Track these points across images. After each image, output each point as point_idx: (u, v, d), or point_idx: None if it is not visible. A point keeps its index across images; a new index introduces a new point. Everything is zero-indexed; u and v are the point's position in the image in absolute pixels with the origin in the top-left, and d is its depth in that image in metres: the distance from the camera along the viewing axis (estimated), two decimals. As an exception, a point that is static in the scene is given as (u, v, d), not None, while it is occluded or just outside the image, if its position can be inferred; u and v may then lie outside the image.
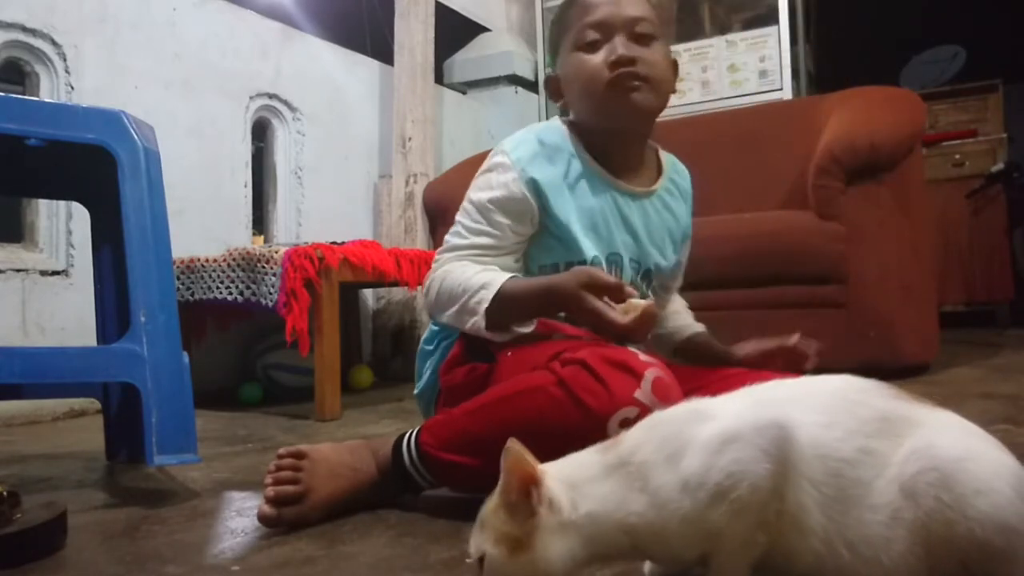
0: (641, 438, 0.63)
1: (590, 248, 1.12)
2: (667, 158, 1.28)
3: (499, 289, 1.03)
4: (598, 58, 1.10)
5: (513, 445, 0.60)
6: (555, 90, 1.22)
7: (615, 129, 1.15)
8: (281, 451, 0.99)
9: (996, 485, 0.55)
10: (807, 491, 0.59)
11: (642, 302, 0.97)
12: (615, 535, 0.60)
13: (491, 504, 0.62)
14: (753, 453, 0.58)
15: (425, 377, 1.24)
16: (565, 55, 1.17)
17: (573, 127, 1.18)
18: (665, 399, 0.86)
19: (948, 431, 0.60)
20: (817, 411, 0.61)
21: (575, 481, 0.62)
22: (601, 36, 1.11)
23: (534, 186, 1.11)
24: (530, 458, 0.61)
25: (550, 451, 0.66)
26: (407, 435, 1.02)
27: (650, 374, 0.89)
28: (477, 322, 1.04)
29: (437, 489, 1.02)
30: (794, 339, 1.10)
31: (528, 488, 0.60)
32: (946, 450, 0.58)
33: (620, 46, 1.09)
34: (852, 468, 0.59)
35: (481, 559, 0.60)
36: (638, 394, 0.87)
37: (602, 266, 1.13)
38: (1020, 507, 0.55)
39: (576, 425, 0.86)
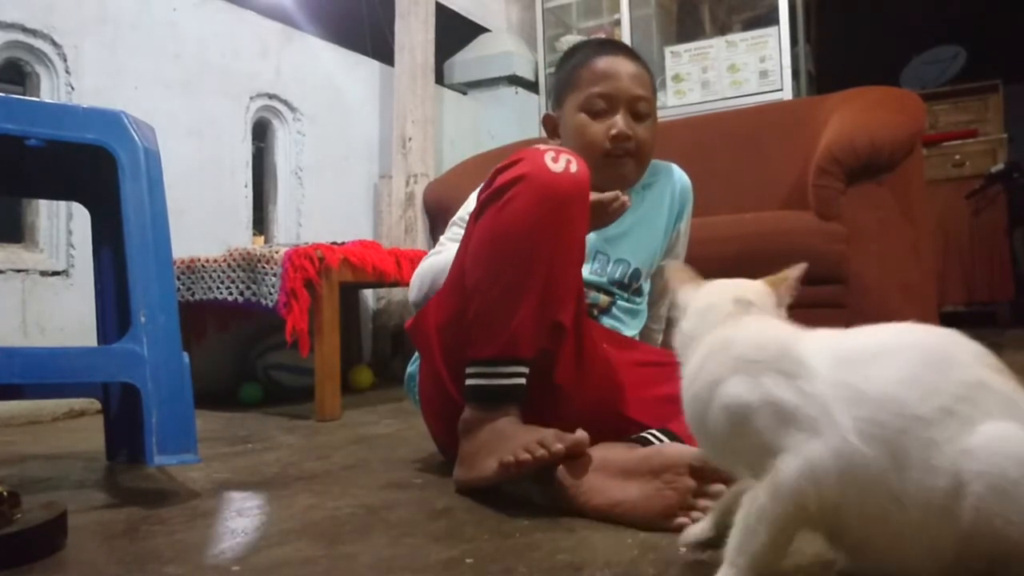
0: (741, 340, 0.67)
1: None
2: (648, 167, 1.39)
3: None
4: (601, 126, 1.26)
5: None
6: (552, 129, 1.37)
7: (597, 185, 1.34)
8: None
9: None
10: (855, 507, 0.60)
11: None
12: None
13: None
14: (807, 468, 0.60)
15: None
16: (570, 110, 1.31)
17: None
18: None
19: None
20: (902, 366, 0.60)
21: None
22: (607, 106, 1.26)
23: None
24: None
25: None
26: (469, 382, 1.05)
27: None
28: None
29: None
30: None
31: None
32: None
33: (621, 121, 1.25)
34: (925, 427, 0.58)
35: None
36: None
37: None
38: None
39: (537, 188, 1.00)
